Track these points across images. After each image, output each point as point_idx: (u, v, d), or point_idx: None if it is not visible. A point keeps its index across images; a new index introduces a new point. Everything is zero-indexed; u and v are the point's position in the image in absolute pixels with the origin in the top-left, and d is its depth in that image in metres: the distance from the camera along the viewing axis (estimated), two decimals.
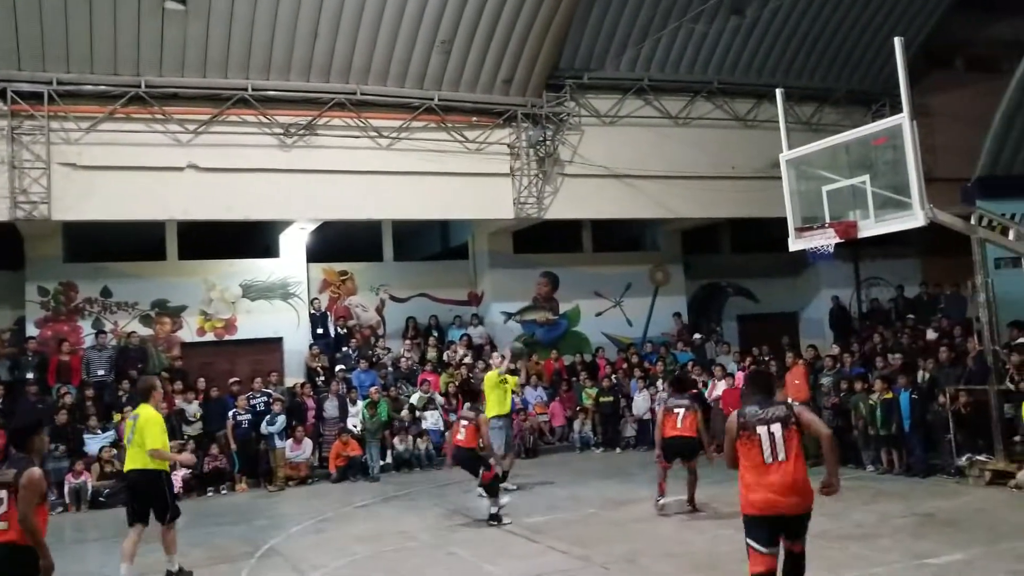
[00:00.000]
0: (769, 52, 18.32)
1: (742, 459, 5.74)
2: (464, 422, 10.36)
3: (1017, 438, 10.88)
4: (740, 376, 14.99)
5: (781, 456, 5.56)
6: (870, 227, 10.46)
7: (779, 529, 5.58)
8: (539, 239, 18.71)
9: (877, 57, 18.37)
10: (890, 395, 12.08)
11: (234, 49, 14.47)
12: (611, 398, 16.59)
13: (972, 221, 10.85)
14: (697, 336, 18.97)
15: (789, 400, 7.94)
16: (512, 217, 16.94)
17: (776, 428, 5.61)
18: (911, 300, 19.07)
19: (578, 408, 16.76)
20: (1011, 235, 11.07)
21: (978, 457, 10.97)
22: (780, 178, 11.67)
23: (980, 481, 10.73)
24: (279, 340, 17.22)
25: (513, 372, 13.20)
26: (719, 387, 15.09)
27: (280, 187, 15.09)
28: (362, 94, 15.49)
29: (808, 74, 18.82)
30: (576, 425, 16.62)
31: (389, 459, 14.83)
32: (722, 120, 18.37)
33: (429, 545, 9.29)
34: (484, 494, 10.56)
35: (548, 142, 16.83)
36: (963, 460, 11.12)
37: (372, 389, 15.10)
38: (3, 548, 5.13)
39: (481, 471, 10.17)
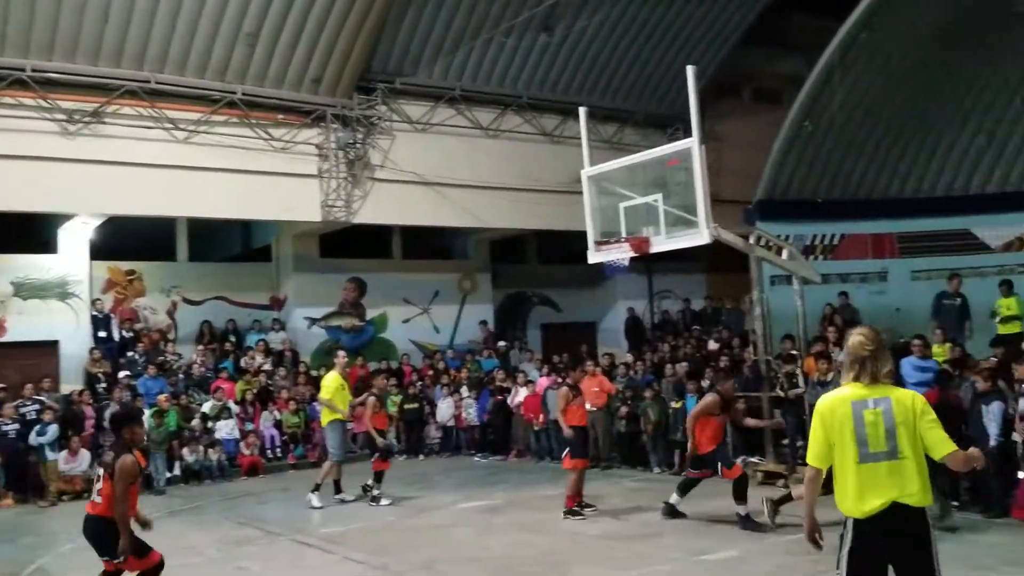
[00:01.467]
0: (576, 71, 19.02)
1: None
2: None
3: (785, 441, 11.83)
4: (542, 383, 15.37)
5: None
6: (661, 243, 11.02)
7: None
8: (347, 243, 18.40)
9: (674, 83, 19.43)
10: (678, 404, 12.82)
11: (12, 26, 13.26)
12: (416, 405, 16.54)
13: (751, 240, 11.68)
14: (502, 343, 19.31)
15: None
16: (319, 220, 16.56)
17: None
18: (697, 312, 20.37)
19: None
20: (784, 255, 12.01)
21: (751, 459, 11.83)
22: (582, 193, 12.08)
23: (753, 481, 11.52)
24: (55, 343, 15.83)
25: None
26: (521, 393, 15.40)
27: (61, 177, 13.94)
28: (157, 83, 14.66)
29: (611, 95, 19.69)
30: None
31: (177, 471, 14.00)
32: (530, 134, 18.85)
33: (216, 560, 8.83)
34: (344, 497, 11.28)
35: (358, 145, 16.59)
36: (739, 462, 11.94)
37: (161, 397, 14.19)
38: (96, 519, 5.87)
39: None
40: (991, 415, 9.00)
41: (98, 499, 5.91)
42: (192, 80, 15.01)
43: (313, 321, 18.39)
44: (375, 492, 11.25)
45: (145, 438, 6.48)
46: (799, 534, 8.29)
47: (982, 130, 17.13)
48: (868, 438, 4.01)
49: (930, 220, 17.18)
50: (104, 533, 5.87)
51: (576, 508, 9.81)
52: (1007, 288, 14.29)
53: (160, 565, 6.04)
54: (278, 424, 15.61)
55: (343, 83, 16.29)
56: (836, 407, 4.13)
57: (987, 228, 17.00)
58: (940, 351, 11.83)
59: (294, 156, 16.14)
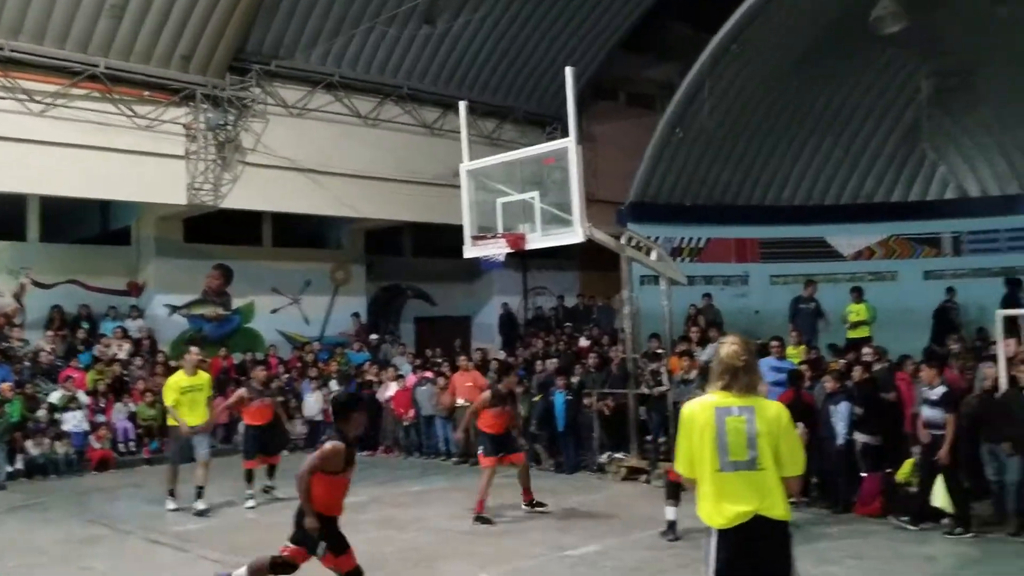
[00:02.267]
0: (457, 65, 18.96)
1: None
2: None
3: (648, 437, 12.16)
4: (412, 378, 15.25)
5: None
6: (537, 240, 11.15)
7: None
8: (213, 229, 17.68)
9: (553, 83, 19.62)
10: (537, 398, 12.99)
11: None
12: (281, 398, 16.04)
13: (622, 241, 11.96)
14: (374, 337, 19.05)
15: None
16: (184, 203, 15.87)
17: None
18: (570, 309, 20.70)
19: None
20: (653, 255, 12.36)
21: (616, 455, 12.12)
22: (460, 187, 12.05)
23: (617, 477, 11.85)
24: None
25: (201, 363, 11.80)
26: (391, 388, 15.24)
27: None
28: (11, 51, 13.69)
29: (491, 91, 19.72)
30: (241, 427, 15.84)
31: (20, 464, 13.10)
32: (409, 125, 18.64)
33: (60, 559, 8.32)
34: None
35: (229, 127, 15.98)
36: (604, 457, 12.24)
37: (3, 385, 13.22)
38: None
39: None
40: (839, 415, 9.52)
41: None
42: (51, 50, 14.11)
43: (174, 309, 17.61)
44: (248, 491, 10.69)
45: (362, 428, 6.13)
46: (657, 529, 8.64)
47: (839, 144, 18.16)
48: (729, 446, 3.92)
49: (789, 228, 18.09)
50: (300, 516, 5.68)
51: (484, 515, 9.36)
52: (857, 295, 15.20)
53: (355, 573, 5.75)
54: (132, 416, 14.86)
55: (215, 62, 15.65)
56: (698, 413, 4.04)
57: (840, 237, 18.04)
58: (795, 352, 12.45)
59: (159, 135, 15.41)
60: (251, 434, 11.08)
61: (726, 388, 4.03)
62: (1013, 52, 15.34)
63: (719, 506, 3.92)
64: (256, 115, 16.55)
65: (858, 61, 16.72)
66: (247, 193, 16.35)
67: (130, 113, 15.08)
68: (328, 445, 5.52)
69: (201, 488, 10.18)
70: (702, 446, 3.97)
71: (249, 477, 10.73)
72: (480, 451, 9.79)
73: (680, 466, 4.13)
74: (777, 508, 3.91)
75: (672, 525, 8.29)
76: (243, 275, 18.51)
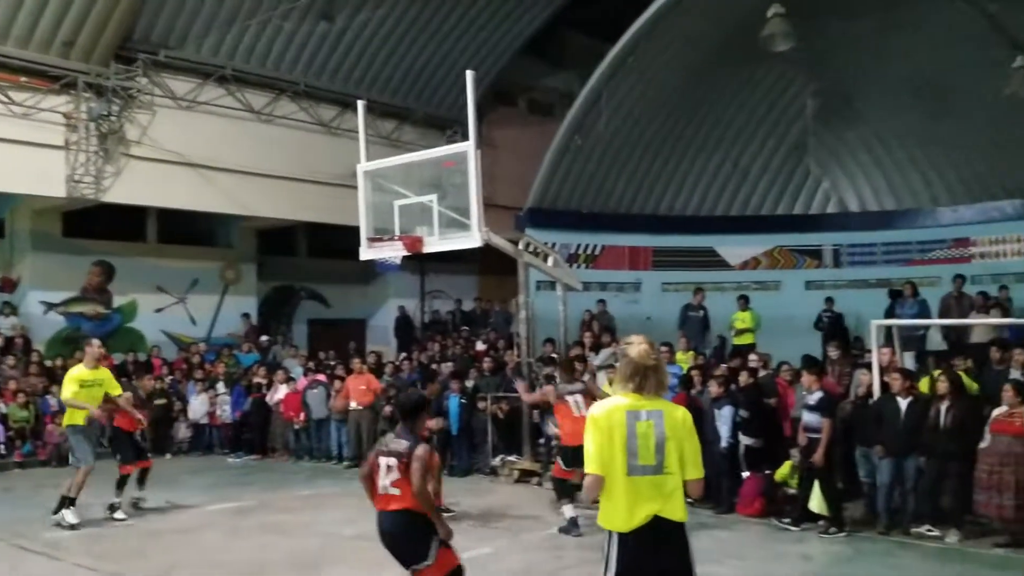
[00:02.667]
0: (356, 64, 18.70)
1: (559, 416, 9.07)
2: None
3: (541, 440, 12.25)
4: (303, 381, 14.93)
5: (585, 412, 7.58)
6: (435, 243, 11.06)
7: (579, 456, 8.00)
8: (94, 223, 16.89)
9: (454, 87, 19.60)
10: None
11: None
12: (164, 400, 15.46)
13: (520, 246, 12.02)
14: (264, 338, 18.57)
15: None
16: (63, 195, 15.13)
17: (578, 397, 8.85)
18: (467, 313, 20.69)
19: None
20: (550, 261, 12.50)
21: (509, 458, 12.18)
22: (357, 187, 11.86)
23: (510, 479, 11.91)
24: None
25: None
26: (281, 391, 14.88)
27: None
28: None
29: (391, 92, 19.54)
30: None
31: None
32: (306, 123, 18.29)
33: None
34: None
35: (113, 117, 15.32)
36: (497, 460, 12.28)
37: None
38: (401, 515, 5.28)
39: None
40: (723, 418, 9.82)
41: (395, 491, 5.29)
42: None
43: (50, 306, 16.74)
44: (114, 501, 9.94)
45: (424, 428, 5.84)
46: (547, 531, 8.72)
47: (728, 158, 18.75)
48: (639, 450, 3.89)
49: (680, 237, 18.54)
50: (413, 529, 5.29)
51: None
52: (743, 303, 15.73)
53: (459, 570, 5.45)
54: (3, 418, 14.04)
55: (99, 49, 14.98)
56: (610, 414, 3.98)
57: (728, 247, 18.60)
58: (684, 358, 12.79)
59: (37, 124, 14.68)
60: (126, 439, 10.41)
61: (638, 390, 3.99)
62: (890, 74, 16.18)
63: (630, 512, 3.89)
64: (142, 106, 15.93)
65: (748, 78, 17.32)
66: (131, 187, 15.70)
67: (6, 100, 14.32)
68: (421, 450, 5.30)
69: (74, 499, 9.43)
70: (612, 449, 3.92)
71: (121, 484, 10.00)
72: None
73: (592, 467, 3.98)
74: (678, 511, 3.94)
75: (575, 520, 8.39)
76: (125, 272, 17.74)
